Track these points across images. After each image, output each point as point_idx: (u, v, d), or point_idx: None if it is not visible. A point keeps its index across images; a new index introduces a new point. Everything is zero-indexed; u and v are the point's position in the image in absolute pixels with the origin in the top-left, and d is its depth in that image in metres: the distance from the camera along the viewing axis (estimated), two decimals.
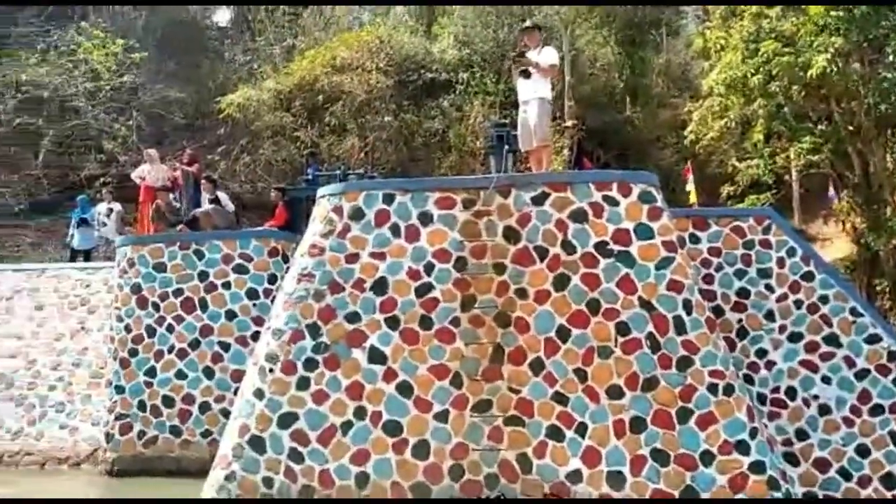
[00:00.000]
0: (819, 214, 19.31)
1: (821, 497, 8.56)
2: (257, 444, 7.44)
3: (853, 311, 8.94)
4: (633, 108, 21.83)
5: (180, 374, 10.47)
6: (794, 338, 8.95)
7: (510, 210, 7.53)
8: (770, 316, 9.01)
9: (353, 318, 7.57)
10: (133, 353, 10.61)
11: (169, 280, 10.68)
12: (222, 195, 12.93)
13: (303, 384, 7.51)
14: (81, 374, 11.99)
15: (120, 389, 10.57)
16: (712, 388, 7.05)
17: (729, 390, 7.06)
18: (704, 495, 6.87)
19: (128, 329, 10.69)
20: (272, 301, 9.21)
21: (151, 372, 10.53)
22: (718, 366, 7.11)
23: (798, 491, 8.35)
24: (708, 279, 9.05)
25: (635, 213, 7.41)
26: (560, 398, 7.19)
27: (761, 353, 8.96)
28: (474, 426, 7.24)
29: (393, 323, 7.52)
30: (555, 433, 7.15)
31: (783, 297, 9.02)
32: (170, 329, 10.57)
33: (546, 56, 8.52)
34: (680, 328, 7.17)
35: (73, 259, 14.41)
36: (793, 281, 9.04)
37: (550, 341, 7.28)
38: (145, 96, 21.09)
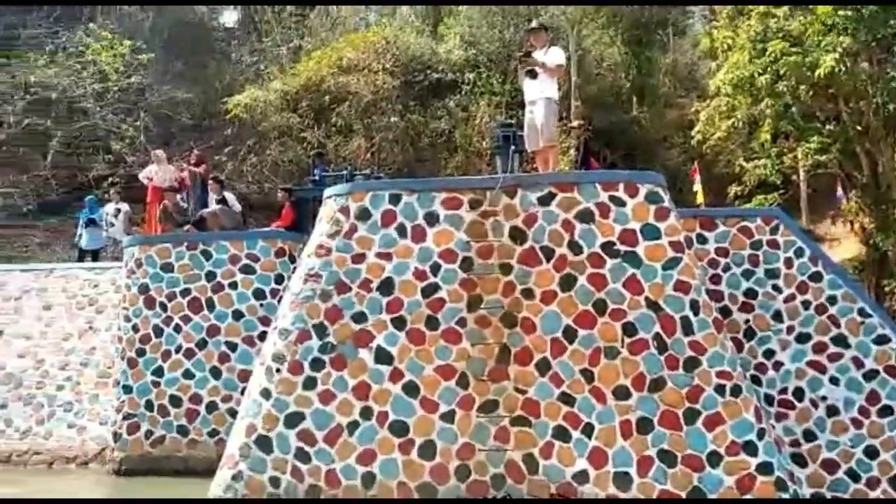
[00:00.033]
0: (827, 215, 19.18)
1: (829, 498, 8.51)
2: (264, 443, 7.46)
3: (862, 312, 8.90)
4: (639, 108, 21.79)
5: (188, 374, 10.52)
6: (802, 338, 8.92)
7: (516, 210, 7.53)
8: (778, 316, 8.98)
9: (359, 318, 7.59)
10: (141, 352, 10.66)
11: (176, 280, 10.73)
12: (229, 196, 12.98)
13: (309, 384, 7.53)
14: (89, 373, 12.06)
15: (128, 389, 10.63)
16: (720, 389, 7.03)
17: (736, 391, 7.04)
18: (712, 496, 6.85)
19: (135, 329, 10.74)
20: (279, 301, 9.22)
21: (159, 372, 10.59)
22: (726, 366, 7.09)
23: (806, 492, 8.32)
24: (715, 279, 9.03)
25: (642, 213, 7.40)
26: (566, 399, 7.18)
27: (769, 353, 8.93)
28: (481, 426, 7.24)
29: (399, 323, 7.52)
30: (561, 434, 7.14)
31: (791, 298, 8.98)
32: (177, 329, 10.62)
33: (552, 56, 8.51)
34: (687, 329, 7.15)
35: (81, 259, 14.47)
36: (801, 281, 9.00)
37: (557, 342, 7.27)
38: (153, 97, 21.15)
